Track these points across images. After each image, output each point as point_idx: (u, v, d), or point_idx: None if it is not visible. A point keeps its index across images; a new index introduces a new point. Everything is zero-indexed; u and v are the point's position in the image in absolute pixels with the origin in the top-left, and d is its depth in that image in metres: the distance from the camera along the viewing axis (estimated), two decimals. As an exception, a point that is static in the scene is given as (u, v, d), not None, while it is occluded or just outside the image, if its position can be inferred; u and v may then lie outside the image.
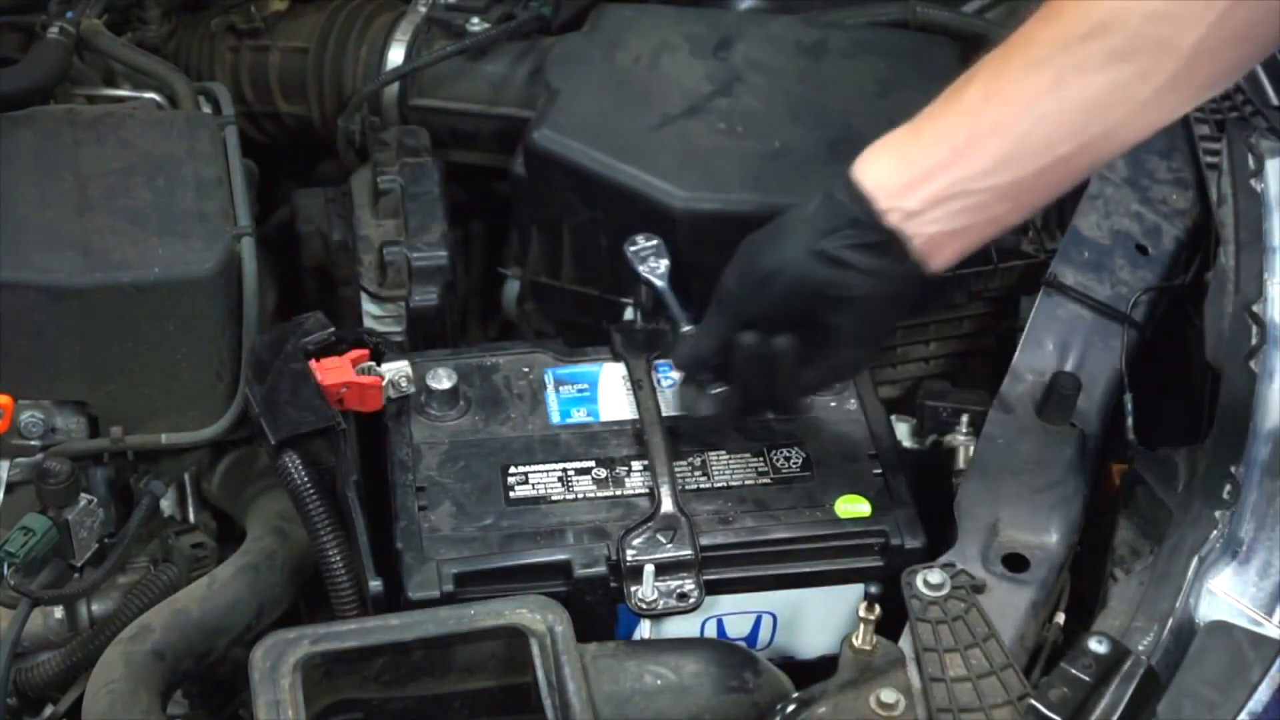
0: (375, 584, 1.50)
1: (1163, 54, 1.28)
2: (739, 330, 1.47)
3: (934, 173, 1.35)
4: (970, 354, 1.91)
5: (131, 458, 1.73)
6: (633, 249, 1.69)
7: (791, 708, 1.37)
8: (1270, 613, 1.39)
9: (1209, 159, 1.86)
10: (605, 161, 1.81)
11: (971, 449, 1.65)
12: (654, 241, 1.69)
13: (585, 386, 1.66)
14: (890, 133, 1.39)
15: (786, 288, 1.42)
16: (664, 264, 1.67)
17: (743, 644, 1.55)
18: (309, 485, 1.52)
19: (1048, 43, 1.31)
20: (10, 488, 1.70)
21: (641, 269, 1.67)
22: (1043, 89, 1.31)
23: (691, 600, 1.50)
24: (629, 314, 1.83)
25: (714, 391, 1.54)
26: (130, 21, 2.17)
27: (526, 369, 1.67)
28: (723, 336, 1.49)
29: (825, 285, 1.40)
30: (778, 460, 1.59)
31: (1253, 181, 1.75)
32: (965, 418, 1.70)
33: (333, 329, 1.62)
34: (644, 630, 1.51)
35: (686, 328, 1.60)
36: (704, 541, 1.51)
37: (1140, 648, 1.39)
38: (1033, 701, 1.31)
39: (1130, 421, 1.65)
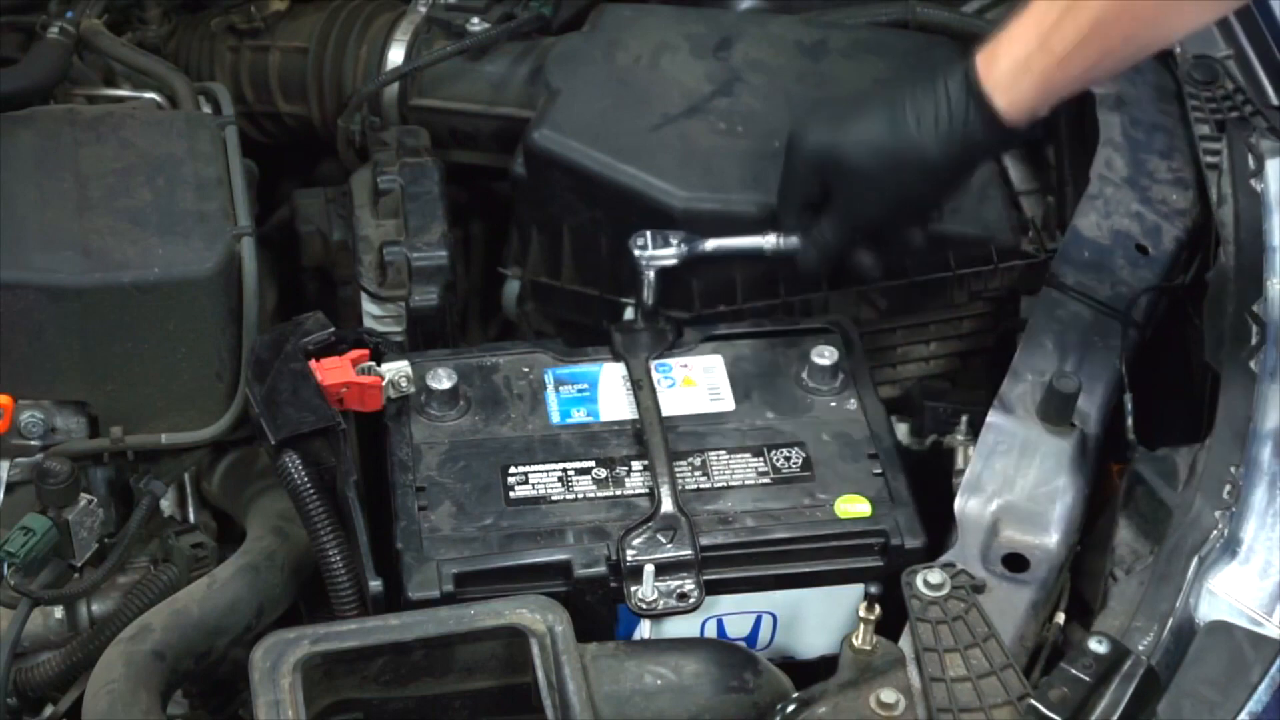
0: (375, 584, 1.50)
1: None
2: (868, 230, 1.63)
3: (1074, 82, 1.51)
4: (970, 354, 1.91)
5: (131, 458, 1.73)
6: (640, 243, 1.70)
7: (791, 708, 1.37)
8: (1270, 613, 1.39)
9: (1209, 159, 1.86)
10: (605, 161, 1.81)
11: (971, 449, 1.65)
12: (649, 233, 1.70)
13: (585, 386, 1.66)
14: (1012, 54, 1.49)
15: (917, 187, 1.59)
16: (679, 234, 1.69)
17: (743, 644, 1.55)
18: (309, 485, 1.52)
19: None
20: (10, 488, 1.70)
21: (664, 252, 1.68)
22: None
23: (691, 600, 1.50)
24: (629, 314, 1.83)
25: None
26: (130, 21, 2.17)
27: (526, 369, 1.67)
28: (852, 241, 1.64)
29: (953, 178, 1.61)
30: (778, 460, 1.59)
31: (1253, 181, 1.75)
32: (965, 418, 1.70)
33: (333, 329, 1.62)
34: (644, 630, 1.51)
35: (783, 240, 1.67)
36: (704, 541, 1.51)
37: (1140, 648, 1.39)
38: (1033, 701, 1.31)
39: (1130, 421, 1.65)
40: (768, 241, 1.68)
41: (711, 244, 1.71)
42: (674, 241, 1.70)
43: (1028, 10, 1.49)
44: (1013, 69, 1.50)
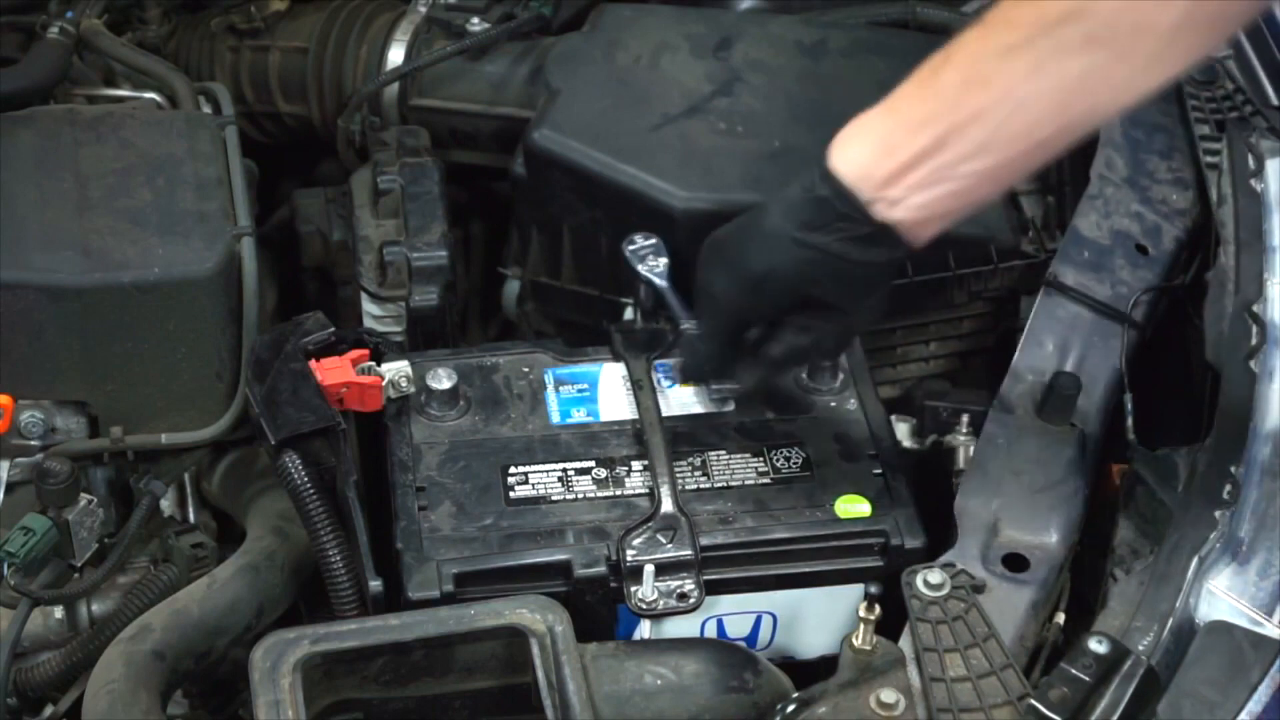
0: (375, 584, 1.50)
1: (1141, 35, 1.27)
2: (735, 331, 1.49)
3: (917, 161, 1.34)
4: (970, 354, 1.91)
5: (131, 458, 1.73)
6: (631, 248, 1.69)
7: (791, 708, 1.37)
8: (1270, 613, 1.39)
9: (1209, 159, 1.86)
10: (605, 161, 1.81)
11: (971, 449, 1.65)
12: (652, 240, 1.69)
13: (585, 386, 1.66)
14: (862, 117, 1.38)
15: (782, 286, 1.43)
16: (663, 262, 1.67)
17: (743, 644, 1.55)
18: (309, 485, 1.52)
19: (1024, 25, 1.29)
20: (10, 488, 1.70)
21: (641, 268, 1.67)
22: (1021, 74, 1.30)
23: (691, 600, 1.50)
24: (629, 314, 1.83)
25: (718, 389, 1.59)
26: (130, 21, 2.18)
27: (526, 369, 1.67)
28: (722, 342, 1.51)
29: (820, 278, 1.42)
30: (778, 460, 1.59)
31: (1253, 181, 1.75)
32: (965, 418, 1.70)
33: (333, 329, 1.62)
34: (644, 630, 1.51)
35: (686, 325, 1.61)
36: (704, 541, 1.51)
37: (1140, 648, 1.39)
38: (1033, 701, 1.31)
39: (1130, 421, 1.65)
40: (686, 321, 1.61)
41: (663, 289, 1.65)
42: (652, 263, 1.68)
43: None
44: (856, 127, 1.38)
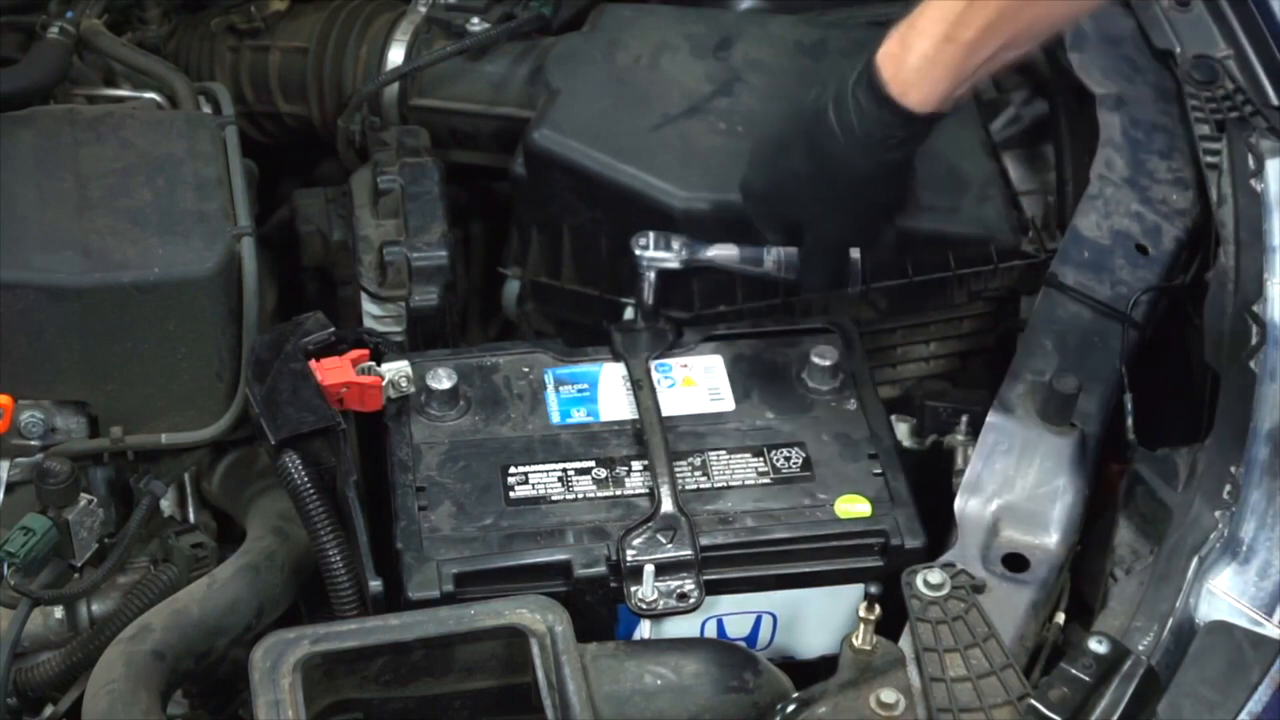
0: (375, 584, 1.50)
1: None
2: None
3: (982, 68, 1.50)
4: (970, 354, 1.91)
5: (131, 458, 1.73)
6: (641, 244, 1.70)
7: (791, 708, 1.37)
8: (1270, 613, 1.39)
9: (1209, 159, 1.86)
10: (605, 161, 1.81)
11: (971, 449, 1.65)
12: (652, 234, 1.70)
13: (585, 386, 1.66)
14: (915, 51, 1.49)
15: (889, 202, 1.64)
16: (679, 241, 1.69)
17: (743, 644, 1.55)
18: (309, 485, 1.52)
19: None
20: (10, 488, 1.70)
21: (663, 252, 1.69)
22: None
23: (691, 600, 1.50)
24: (629, 314, 1.83)
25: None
26: (130, 21, 2.17)
27: (526, 369, 1.67)
28: (834, 256, 1.66)
29: (908, 169, 1.62)
30: (778, 460, 1.59)
31: (1253, 181, 1.75)
32: (965, 418, 1.70)
33: (333, 329, 1.62)
34: (644, 630, 1.51)
35: (781, 257, 1.69)
36: (704, 541, 1.51)
37: (1140, 648, 1.39)
38: (1033, 701, 1.31)
39: (1130, 421, 1.65)
40: (770, 255, 1.69)
41: (712, 252, 1.71)
42: (675, 245, 1.71)
43: (930, 5, 1.49)
44: (920, 65, 1.50)
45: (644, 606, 1.50)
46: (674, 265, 1.70)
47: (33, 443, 1.70)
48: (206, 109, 1.94)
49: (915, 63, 1.49)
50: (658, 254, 1.70)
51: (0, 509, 1.68)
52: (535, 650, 1.39)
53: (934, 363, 1.90)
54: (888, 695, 1.36)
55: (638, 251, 1.70)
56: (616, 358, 1.68)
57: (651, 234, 1.71)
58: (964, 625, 1.41)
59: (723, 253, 1.71)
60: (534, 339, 1.88)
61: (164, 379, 1.70)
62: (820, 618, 1.57)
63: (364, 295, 1.86)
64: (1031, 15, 1.48)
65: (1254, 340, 1.58)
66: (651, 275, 1.70)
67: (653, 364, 1.66)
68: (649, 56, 1.94)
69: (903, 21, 1.51)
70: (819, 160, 1.57)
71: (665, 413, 1.62)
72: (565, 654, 1.39)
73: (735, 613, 1.56)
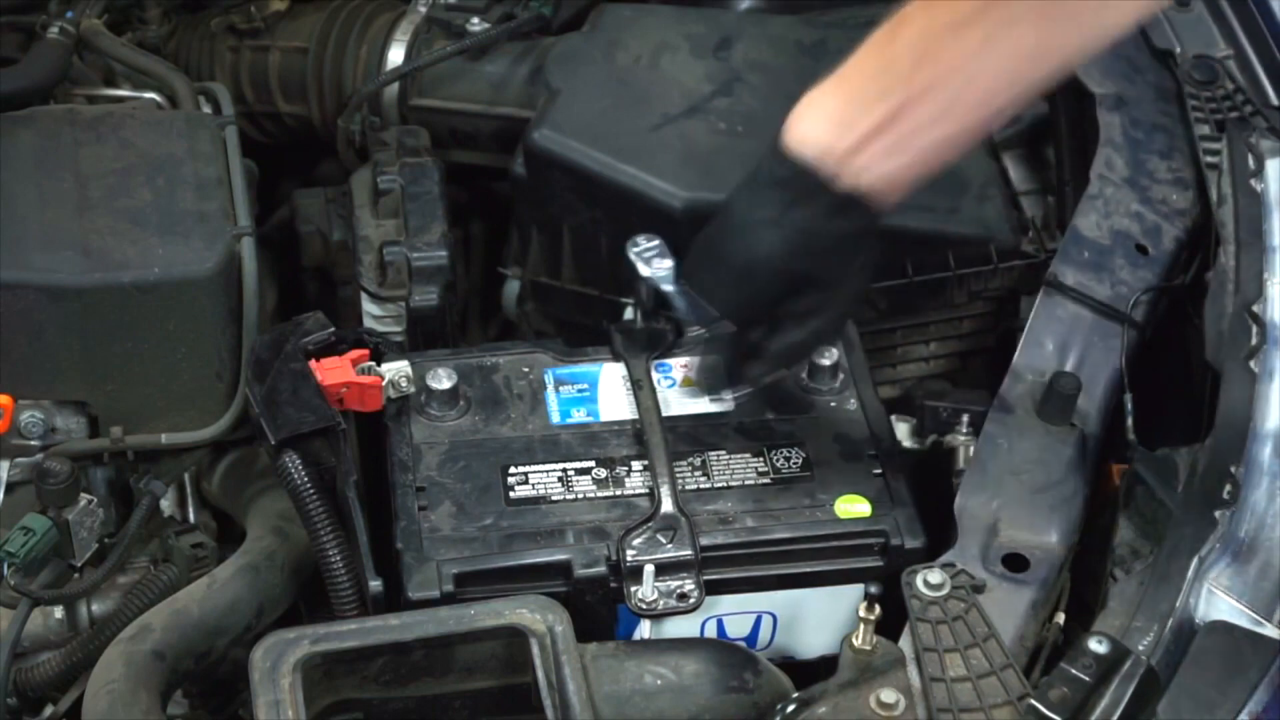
0: (375, 584, 1.50)
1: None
2: (739, 332, 1.49)
3: (875, 133, 1.35)
4: (970, 354, 1.91)
5: (131, 458, 1.73)
6: (635, 250, 1.68)
7: (791, 708, 1.37)
8: (1270, 613, 1.39)
9: (1209, 159, 1.86)
10: (605, 161, 1.81)
11: (971, 449, 1.65)
12: (656, 242, 1.68)
13: (585, 386, 1.66)
14: (812, 94, 1.39)
15: (768, 273, 1.43)
16: (668, 264, 1.66)
17: (743, 644, 1.55)
18: (309, 485, 1.52)
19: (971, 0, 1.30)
20: (10, 488, 1.70)
21: (646, 270, 1.66)
22: (972, 49, 1.31)
23: (691, 600, 1.50)
24: (629, 314, 1.83)
25: (736, 394, 1.60)
26: (130, 21, 2.17)
27: (526, 369, 1.67)
28: (732, 349, 1.52)
29: (801, 255, 1.42)
30: (778, 460, 1.59)
31: (1253, 181, 1.75)
32: (965, 418, 1.70)
33: (333, 329, 1.62)
34: (644, 630, 1.51)
35: (694, 330, 1.60)
36: (704, 541, 1.51)
37: (1140, 648, 1.39)
38: (1033, 701, 1.31)
39: (1130, 421, 1.65)
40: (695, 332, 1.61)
41: (672, 294, 1.60)
42: (658, 265, 1.66)
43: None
44: (809, 103, 1.39)
45: (644, 606, 1.50)
46: (652, 285, 1.67)
47: (33, 443, 1.70)
48: (206, 109, 1.94)
49: (806, 106, 1.39)
50: (645, 266, 1.66)
51: (0, 509, 1.68)
52: (535, 650, 1.39)
53: (934, 363, 1.90)
54: (888, 695, 1.36)
55: (630, 254, 1.68)
56: (616, 358, 1.68)
57: (652, 242, 1.68)
58: (964, 625, 1.41)
59: (679, 301, 1.59)
60: (534, 339, 1.88)
61: (164, 379, 1.70)
62: (820, 618, 1.57)
63: (364, 295, 1.86)
64: (928, 78, 1.32)
65: (1254, 340, 1.58)
66: (644, 289, 1.69)
67: (653, 364, 1.66)
68: (649, 56, 1.94)
69: None
70: (725, 207, 1.46)
71: (665, 413, 1.62)
72: (565, 654, 1.39)
73: (735, 613, 1.56)
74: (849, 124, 1.36)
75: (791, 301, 1.46)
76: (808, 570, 1.54)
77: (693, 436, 1.61)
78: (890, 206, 1.40)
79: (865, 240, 1.43)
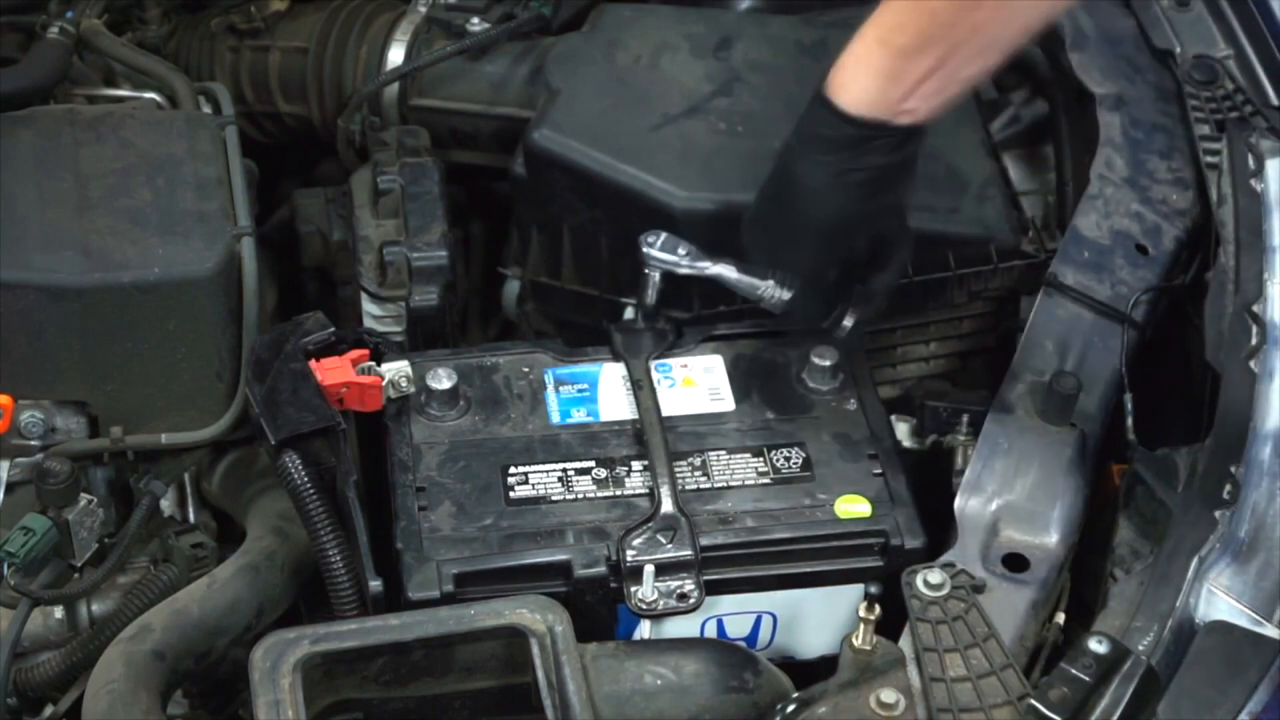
0: (375, 584, 1.50)
1: None
2: (826, 285, 1.59)
3: (924, 78, 1.44)
4: (970, 354, 1.91)
5: (131, 458, 1.73)
6: (649, 243, 1.68)
7: (791, 708, 1.37)
8: (1270, 613, 1.39)
9: (1209, 159, 1.86)
10: (605, 161, 1.81)
11: (971, 449, 1.65)
12: (665, 234, 1.68)
13: (585, 386, 1.66)
14: (853, 52, 1.46)
15: (856, 221, 1.53)
16: (688, 248, 1.67)
17: (743, 644, 1.55)
18: (309, 485, 1.52)
19: None
20: (10, 488, 1.70)
21: (669, 256, 1.67)
22: None
23: (691, 600, 1.50)
24: (629, 314, 1.83)
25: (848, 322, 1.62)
26: (130, 21, 2.17)
27: (526, 369, 1.67)
28: (820, 297, 1.60)
29: (876, 194, 1.51)
30: (778, 460, 1.59)
31: (1253, 181, 1.75)
32: (965, 418, 1.70)
33: (333, 329, 1.62)
34: (644, 630, 1.51)
35: (770, 294, 1.62)
36: (704, 542, 1.51)
37: (1140, 648, 1.39)
38: (1033, 701, 1.31)
39: (1130, 421, 1.65)
40: (766, 288, 1.62)
41: (714, 269, 1.66)
42: (682, 251, 1.68)
43: (879, 8, 1.46)
44: (853, 65, 1.46)
45: (644, 606, 1.50)
46: (681, 271, 1.68)
47: (33, 443, 1.71)
48: (206, 109, 1.94)
49: (849, 62, 1.46)
50: (665, 256, 1.68)
51: (0, 509, 1.68)
52: (535, 650, 1.39)
53: (934, 363, 1.90)
54: (888, 695, 1.36)
55: (645, 250, 1.68)
56: (616, 358, 1.68)
57: (662, 234, 1.69)
58: (964, 625, 1.41)
59: (724, 272, 1.65)
60: (534, 339, 1.88)
61: (164, 379, 1.70)
62: (820, 618, 1.57)
63: (364, 295, 1.86)
64: (972, 24, 1.41)
65: (1254, 340, 1.58)
66: (656, 276, 1.69)
67: (653, 364, 1.66)
68: (649, 56, 1.94)
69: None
70: (778, 176, 1.54)
71: (665, 413, 1.62)
72: (565, 654, 1.39)
73: (735, 613, 1.56)
74: (898, 76, 1.44)
75: (861, 244, 1.56)
76: (808, 570, 1.54)
77: (693, 436, 1.61)
78: (935, 118, 1.49)
79: (911, 168, 1.53)
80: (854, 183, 1.49)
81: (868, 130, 1.46)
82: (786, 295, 1.60)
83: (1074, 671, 1.32)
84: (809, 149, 1.50)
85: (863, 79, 1.45)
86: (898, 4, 1.43)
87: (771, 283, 1.61)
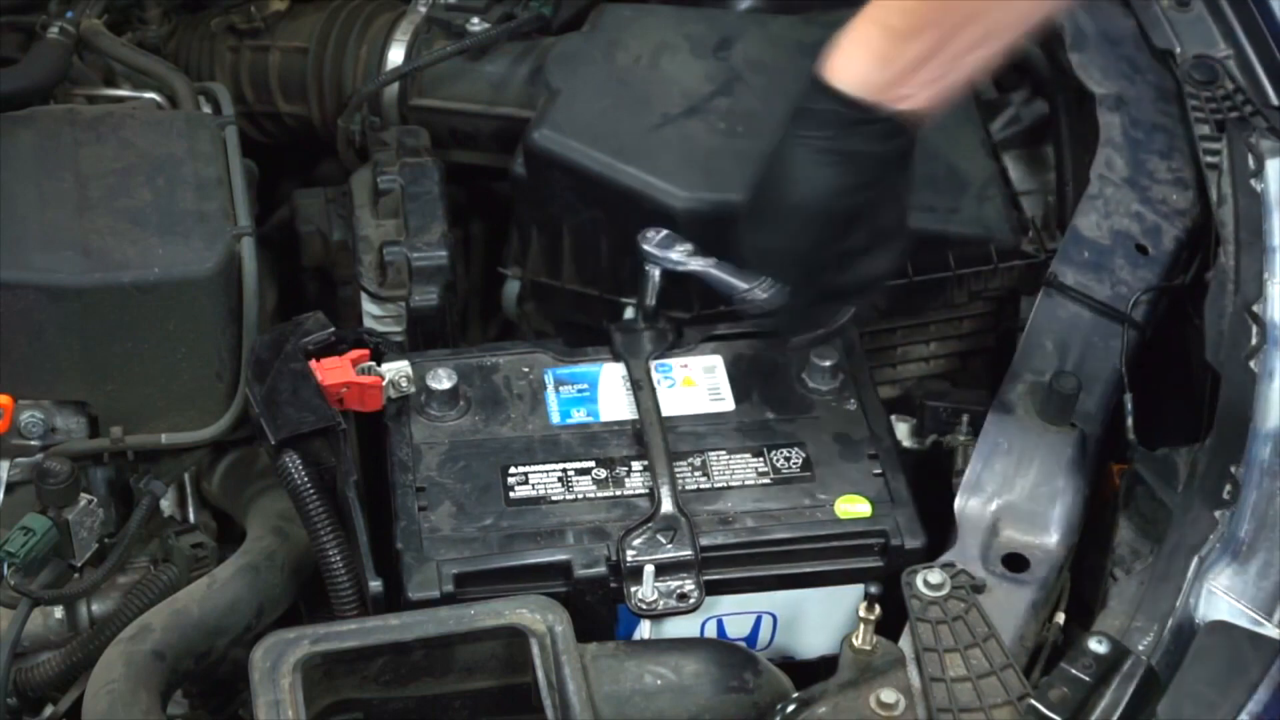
0: (375, 584, 1.50)
1: None
2: (810, 278, 1.53)
3: (918, 64, 1.42)
4: (970, 354, 1.91)
5: (131, 458, 1.73)
6: (648, 240, 1.67)
7: (791, 708, 1.37)
8: (1270, 613, 1.39)
9: (1209, 159, 1.86)
10: (605, 161, 1.81)
11: (971, 449, 1.65)
12: (665, 231, 1.68)
13: (585, 386, 1.66)
14: (851, 32, 1.44)
15: (835, 204, 1.48)
16: (688, 246, 1.66)
17: (743, 644, 1.55)
18: (309, 485, 1.52)
19: None
20: (10, 488, 1.70)
21: (667, 253, 1.66)
22: None
23: (691, 601, 1.50)
24: (629, 314, 1.83)
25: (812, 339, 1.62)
26: (130, 21, 2.17)
27: (526, 369, 1.67)
28: (805, 293, 1.54)
29: (861, 181, 1.47)
30: (778, 460, 1.59)
31: (1253, 181, 1.75)
32: (965, 418, 1.70)
33: (333, 329, 1.62)
34: (644, 630, 1.51)
35: (755, 293, 1.58)
36: (704, 542, 1.51)
37: (1140, 648, 1.39)
38: (1033, 701, 1.31)
39: (1130, 421, 1.65)
40: (748, 288, 1.59)
41: (696, 265, 1.64)
42: (679, 249, 1.67)
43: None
44: (849, 46, 1.45)
45: (644, 607, 1.50)
46: (681, 268, 1.67)
47: (33, 443, 1.71)
48: (206, 109, 1.94)
49: (844, 42, 1.45)
50: (664, 252, 1.68)
51: (0, 509, 1.68)
52: (535, 650, 1.39)
53: (934, 363, 1.90)
54: (888, 695, 1.36)
55: (645, 246, 1.68)
56: (616, 358, 1.68)
57: (661, 231, 1.69)
58: (964, 625, 1.41)
59: (708, 268, 1.64)
60: (534, 339, 1.88)
61: (164, 379, 1.70)
62: (820, 618, 1.57)
63: (364, 295, 1.86)
64: (967, 10, 1.40)
65: (1254, 340, 1.58)
66: (656, 273, 1.69)
67: (653, 364, 1.66)
68: (649, 56, 1.94)
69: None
70: (768, 160, 1.51)
71: (665, 413, 1.62)
72: (565, 654, 1.39)
73: (735, 613, 1.56)
74: (893, 58, 1.42)
75: (853, 237, 1.50)
76: (808, 570, 1.54)
77: (693, 436, 1.61)
78: (927, 124, 1.46)
79: (906, 162, 1.50)
80: (839, 163, 1.46)
81: (858, 111, 1.44)
82: (763, 296, 1.57)
83: (1074, 671, 1.32)
84: (798, 126, 1.48)
85: (857, 59, 1.44)
86: None
87: (755, 284, 1.58)
